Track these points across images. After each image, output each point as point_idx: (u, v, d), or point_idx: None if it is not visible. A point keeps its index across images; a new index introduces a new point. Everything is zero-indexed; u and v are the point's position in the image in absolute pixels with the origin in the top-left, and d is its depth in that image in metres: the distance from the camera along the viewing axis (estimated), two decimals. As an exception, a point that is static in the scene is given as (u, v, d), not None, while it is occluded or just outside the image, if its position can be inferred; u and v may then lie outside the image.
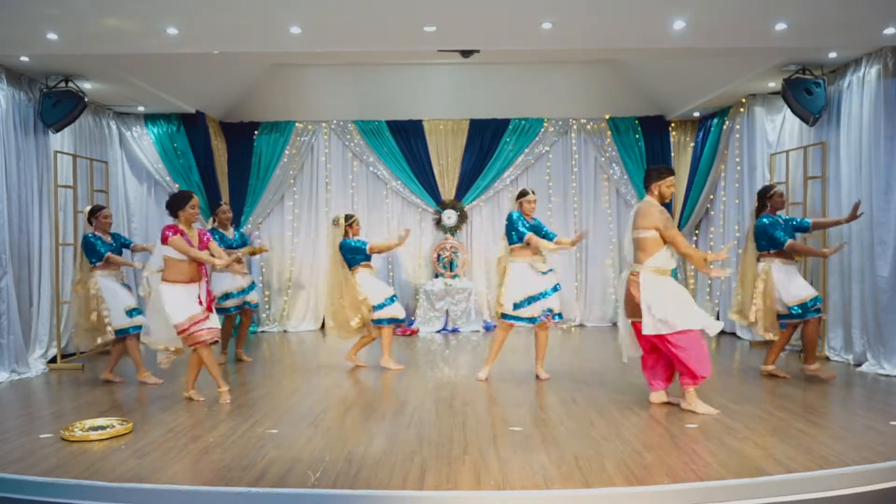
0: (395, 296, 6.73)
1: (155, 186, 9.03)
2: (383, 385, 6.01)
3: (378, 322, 6.58)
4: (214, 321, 5.28)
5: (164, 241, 5.14)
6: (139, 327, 6.05)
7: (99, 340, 6.08)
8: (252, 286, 7.30)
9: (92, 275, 6.12)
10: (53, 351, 6.99)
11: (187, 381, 5.36)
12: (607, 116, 9.73)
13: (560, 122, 9.82)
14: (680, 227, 9.59)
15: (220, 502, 3.34)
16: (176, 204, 5.28)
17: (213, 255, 5.33)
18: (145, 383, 5.98)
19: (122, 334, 6.07)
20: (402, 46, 6.51)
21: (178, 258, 5.16)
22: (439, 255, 9.77)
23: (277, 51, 6.62)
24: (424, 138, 9.79)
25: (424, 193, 9.84)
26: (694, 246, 5.21)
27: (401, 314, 6.69)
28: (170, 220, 5.33)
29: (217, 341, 5.36)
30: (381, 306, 6.55)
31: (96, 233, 6.20)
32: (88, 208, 6.42)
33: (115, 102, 8.28)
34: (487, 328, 9.52)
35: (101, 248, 6.12)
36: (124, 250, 6.45)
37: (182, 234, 5.19)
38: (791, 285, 5.84)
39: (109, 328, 6.02)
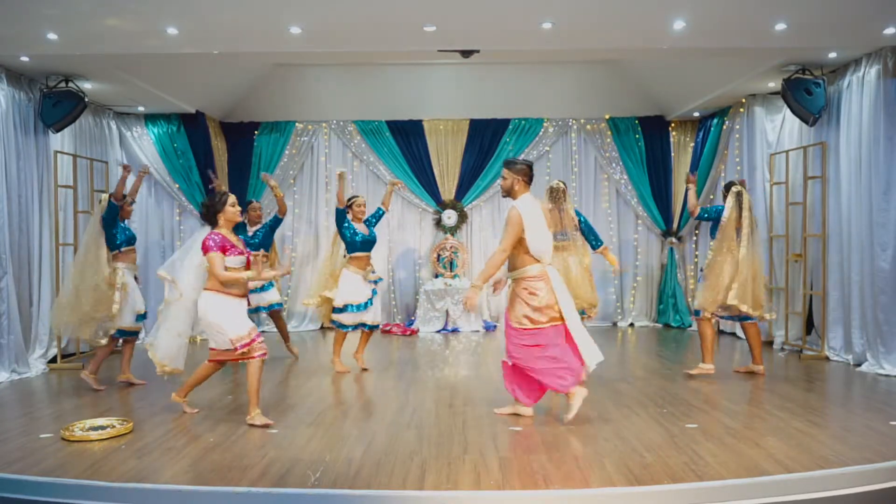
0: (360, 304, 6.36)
1: (155, 186, 9.02)
2: (383, 385, 6.01)
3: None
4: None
5: (205, 251, 4.48)
6: (138, 332, 6.08)
7: (102, 337, 5.76)
8: (267, 286, 7.08)
9: (116, 264, 5.87)
10: (53, 351, 6.98)
11: (253, 402, 4.61)
12: (607, 116, 9.73)
13: (560, 122, 9.82)
14: (680, 227, 9.60)
15: (220, 502, 3.34)
16: (213, 209, 4.61)
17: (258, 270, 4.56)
18: (131, 384, 5.91)
19: (121, 335, 5.91)
20: (402, 46, 6.51)
21: (233, 266, 4.55)
22: (439, 255, 9.77)
23: (277, 51, 6.63)
24: (424, 138, 9.80)
25: (424, 193, 9.84)
26: None
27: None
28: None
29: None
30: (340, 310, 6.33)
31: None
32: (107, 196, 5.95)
33: (115, 102, 8.27)
34: (487, 328, 9.51)
35: (127, 233, 5.98)
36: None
37: (228, 247, 4.53)
38: None
39: (113, 326, 5.76)
